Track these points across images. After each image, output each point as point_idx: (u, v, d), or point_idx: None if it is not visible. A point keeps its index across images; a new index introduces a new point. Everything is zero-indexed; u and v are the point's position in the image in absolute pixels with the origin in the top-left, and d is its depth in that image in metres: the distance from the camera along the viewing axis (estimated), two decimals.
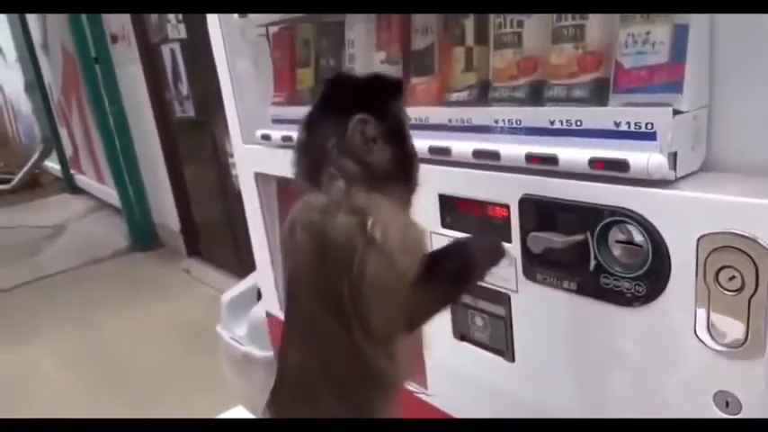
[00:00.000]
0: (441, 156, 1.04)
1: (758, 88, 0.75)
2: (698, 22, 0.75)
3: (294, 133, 1.37)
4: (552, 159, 0.87)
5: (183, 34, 3.69)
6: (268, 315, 1.84)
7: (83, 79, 4.85)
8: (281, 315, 1.76)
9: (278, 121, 1.48)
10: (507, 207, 0.95)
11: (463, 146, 0.99)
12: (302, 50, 1.40)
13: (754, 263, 0.69)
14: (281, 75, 1.47)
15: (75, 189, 6.84)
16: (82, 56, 4.65)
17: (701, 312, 0.75)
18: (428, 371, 1.23)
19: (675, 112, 0.76)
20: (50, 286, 4.41)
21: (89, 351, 3.30)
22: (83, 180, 6.63)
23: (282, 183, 1.61)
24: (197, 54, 3.56)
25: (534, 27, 0.91)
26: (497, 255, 0.91)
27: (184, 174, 4.40)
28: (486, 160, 0.96)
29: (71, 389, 2.92)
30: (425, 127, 1.06)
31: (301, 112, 1.38)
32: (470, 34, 0.99)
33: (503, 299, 1.02)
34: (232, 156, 3.54)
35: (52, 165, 7.38)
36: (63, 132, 6.69)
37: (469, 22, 1.00)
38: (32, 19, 6.21)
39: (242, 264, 3.86)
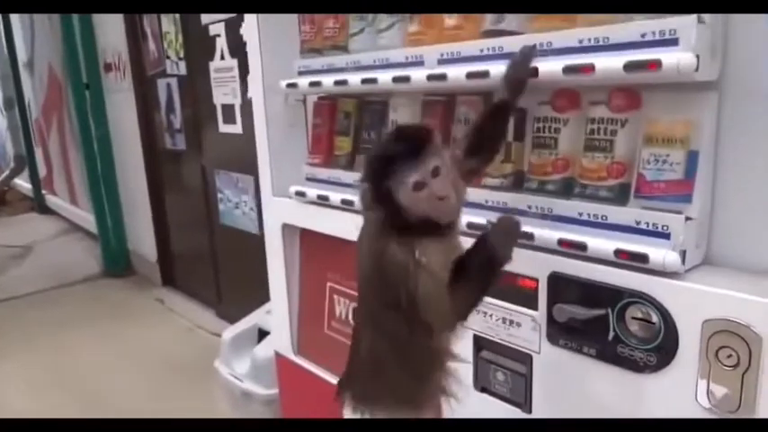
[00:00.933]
0: (478, 231, 1.20)
1: (745, 201, 0.96)
2: (706, 150, 0.96)
3: (330, 193, 1.54)
4: (582, 246, 1.05)
5: (183, 71, 3.81)
6: (277, 355, 1.94)
7: (71, 103, 4.89)
8: (291, 355, 1.88)
9: (312, 180, 1.63)
10: (537, 280, 1.13)
11: None
12: (343, 121, 1.56)
13: (748, 345, 0.87)
14: (318, 139, 1.63)
15: (44, 209, 6.74)
16: (73, 80, 4.72)
17: (702, 382, 0.93)
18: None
19: (686, 219, 0.95)
20: (18, 307, 4.34)
21: (55, 374, 3.27)
22: (54, 201, 6.56)
23: (305, 232, 1.75)
24: (193, 90, 3.70)
25: (569, 134, 1.10)
26: (515, 233, 1.00)
27: (166, 204, 4.47)
28: (521, 240, 1.13)
29: (36, 411, 2.88)
30: (465, 205, 1.23)
31: (336, 174, 1.56)
32: (510, 132, 1.18)
33: (525, 358, 1.18)
34: (222, 191, 3.67)
35: (22, 183, 7.27)
36: (38, 152, 6.64)
37: (510, 122, 1.18)
38: (19, 38, 6.23)
39: (220, 297, 3.92)
